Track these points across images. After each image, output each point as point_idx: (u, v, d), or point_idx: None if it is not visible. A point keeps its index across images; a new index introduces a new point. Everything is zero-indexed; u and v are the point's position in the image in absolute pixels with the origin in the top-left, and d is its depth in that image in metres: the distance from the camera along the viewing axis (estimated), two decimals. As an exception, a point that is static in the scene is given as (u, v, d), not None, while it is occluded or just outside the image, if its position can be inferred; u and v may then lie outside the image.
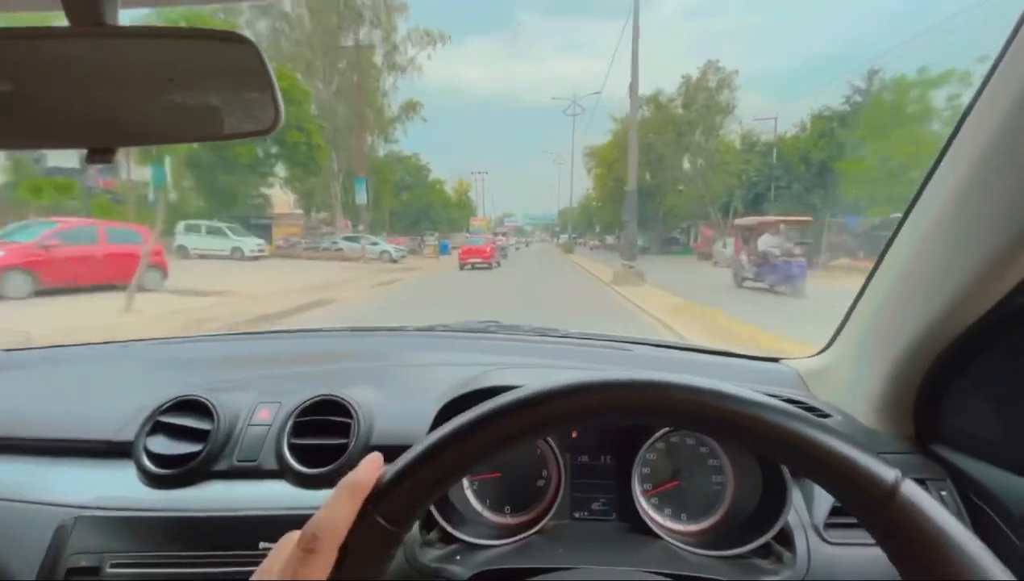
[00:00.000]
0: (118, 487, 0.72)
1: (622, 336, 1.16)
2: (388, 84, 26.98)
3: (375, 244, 20.31)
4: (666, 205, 28.54)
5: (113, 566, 0.64)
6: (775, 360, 1.04)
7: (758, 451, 0.38)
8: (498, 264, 18.43)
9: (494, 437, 0.34)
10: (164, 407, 0.77)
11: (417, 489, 0.34)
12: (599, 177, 35.82)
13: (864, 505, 0.31)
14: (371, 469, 0.35)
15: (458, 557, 0.66)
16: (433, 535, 0.69)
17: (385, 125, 27.41)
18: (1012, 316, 0.59)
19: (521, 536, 0.68)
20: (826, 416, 0.81)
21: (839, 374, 0.87)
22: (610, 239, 38.51)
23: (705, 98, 26.36)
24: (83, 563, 0.64)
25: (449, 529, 0.67)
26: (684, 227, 30.54)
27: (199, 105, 0.47)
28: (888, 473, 0.31)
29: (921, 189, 0.65)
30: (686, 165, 26.81)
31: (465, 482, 0.75)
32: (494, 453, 0.35)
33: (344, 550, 0.32)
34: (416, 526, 0.67)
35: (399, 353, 1.07)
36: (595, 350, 1.09)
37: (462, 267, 16.89)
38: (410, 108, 28.33)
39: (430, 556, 0.65)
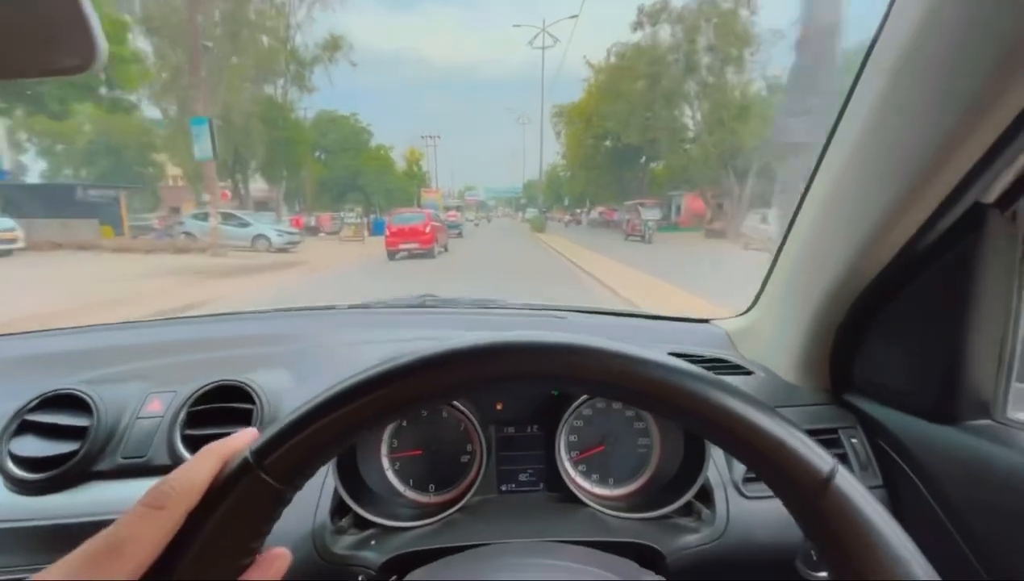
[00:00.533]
0: None
1: (559, 305, 1.15)
2: (301, 14, 20.35)
3: (245, 225, 14.24)
4: (658, 170, 23.92)
5: None
6: (705, 321, 1.06)
7: (680, 423, 0.34)
8: (444, 249, 13.85)
9: (390, 398, 0.31)
10: (31, 405, 0.69)
11: (308, 445, 0.30)
12: (572, 137, 30.17)
13: (795, 493, 0.29)
14: (243, 437, 0.32)
15: (373, 542, 0.62)
16: (345, 521, 0.65)
17: (299, 65, 20.77)
18: (912, 264, 0.60)
19: (443, 514, 0.66)
20: (749, 373, 0.82)
21: (762, 332, 0.89)
22: (594, 214, 31.37)
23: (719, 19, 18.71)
24: None
25: (361, 512, 0.64)
26: (666, 197, 24.36)
27: (2, 36, 0.39)
28: (823, 462, 0.28)
29: (826, 146, 0.65)
30: (687, 116, 20.09)
31: (385, 462, 0.72)
32: (388, 416, 0.31)
33: (217, 503, 0.29)
34: (327, 514, 0.63)
35: (325, 333, 1.00)
36: (531, 319, 1.08)
37: (391, 256, 12.24)
38: (332, 47, 21.50)
39: (341, 544, 0.61)
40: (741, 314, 0.98)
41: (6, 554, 0.60)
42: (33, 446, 0.66)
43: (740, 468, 0.68)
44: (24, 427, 0.68)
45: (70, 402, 0.70)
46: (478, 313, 1.10)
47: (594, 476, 0.73)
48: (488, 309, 1.11)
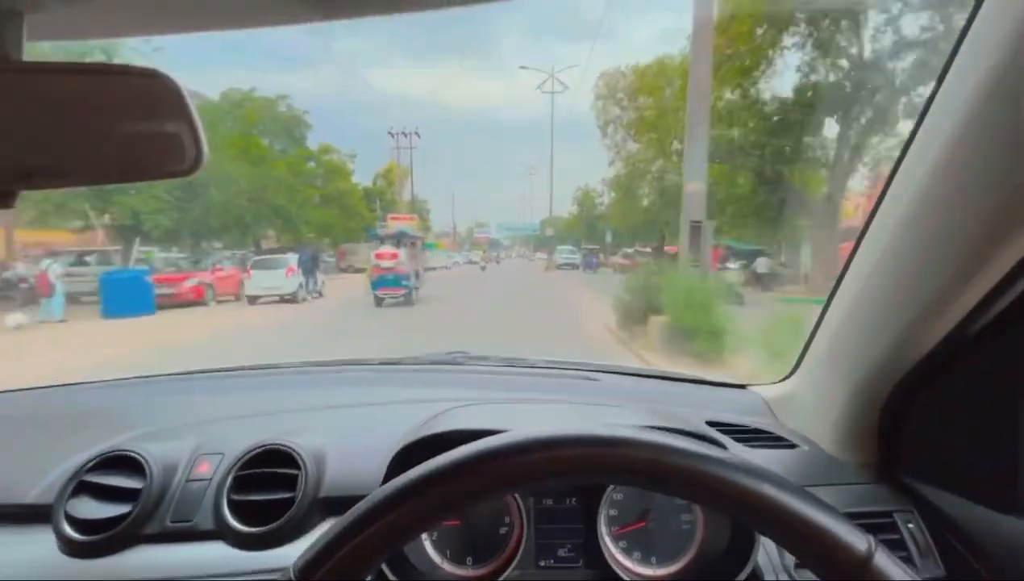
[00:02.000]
0: (33, 557, 0.66)
1: (590, 364, 1.13)
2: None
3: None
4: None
5: None
6: (742, 387, 1.03)
7: (726, 513, 0.37)
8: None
9: (430, 505, 0.32)
10: (90, 464, 0.71)
11: (351, 561, 0.31)
12: (640, 125, 18.26)
13: (835, 574, 0.30)
14: None
15: None
16: None
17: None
18: (971, 340, 0.58)
19: None
20: (792, 446, 0.80)
21: (804, 400, 0.86)
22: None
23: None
24: None
25: None
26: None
27: (115, 144, 0.43)
28: (861, 541, 0.29)
29: (874, 211, 0.65)
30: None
31: (424, 535, 0.71)
32: (431, 523, 0.34)
33: None
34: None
35: (357, 390, 1.02)
36: (563, 380, 1.07)
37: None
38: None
39: None
40: (780, 380, 0.95)
41: None
42: (89, 508, 0.68)
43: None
44: (80, 487, 0.69)
45: (124, 462, 0.71)
46: (508, 372, 1.10)
47: (636, 554, 0.71)
48: (518, 367, 1.11)
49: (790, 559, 0.65)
